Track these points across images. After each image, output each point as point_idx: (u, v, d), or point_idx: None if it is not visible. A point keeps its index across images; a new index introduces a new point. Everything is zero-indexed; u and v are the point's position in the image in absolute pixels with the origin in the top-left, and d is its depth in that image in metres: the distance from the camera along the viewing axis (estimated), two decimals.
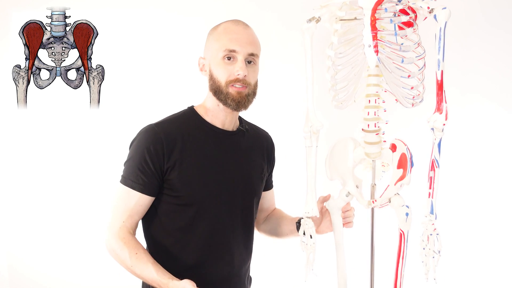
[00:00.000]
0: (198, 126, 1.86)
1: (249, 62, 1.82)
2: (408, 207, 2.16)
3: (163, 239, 1.83)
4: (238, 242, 1.92)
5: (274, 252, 2.82)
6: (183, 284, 1.61)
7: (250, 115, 2.07)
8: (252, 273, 2.16)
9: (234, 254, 1.91)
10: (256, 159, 2.02)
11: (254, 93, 1.87)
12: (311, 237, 2.16)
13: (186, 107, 1.95)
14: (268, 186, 2.20)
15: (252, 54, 1.81)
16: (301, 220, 2.17)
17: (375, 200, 2.23)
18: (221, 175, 1.85)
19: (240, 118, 2.02)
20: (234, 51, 1.77)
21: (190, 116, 1.88)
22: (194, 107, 1.92)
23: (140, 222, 1.87)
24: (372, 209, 2.32)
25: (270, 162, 2.15)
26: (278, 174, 2.83)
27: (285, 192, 2.82)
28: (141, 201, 1.76)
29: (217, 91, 1.80)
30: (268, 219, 2.26)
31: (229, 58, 1.78)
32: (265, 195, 2.19)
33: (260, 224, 2.26)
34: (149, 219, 1.84)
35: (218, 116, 1.87)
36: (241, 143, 1.95)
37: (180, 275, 1.70)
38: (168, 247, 1.82)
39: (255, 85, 1.87)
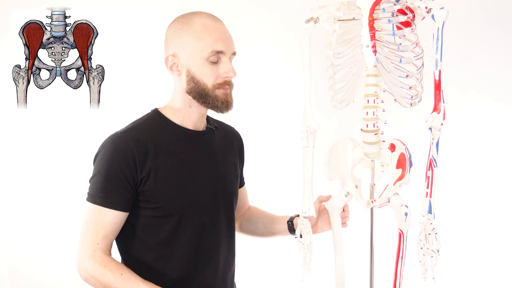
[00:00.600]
0: (167, 130, 1.72)
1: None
2: (407, 207, 2.16)
3: (143, 256, 1.67)
4: (223, 246, 1.82)
5: (270, 252, 2.82)
6: None
7: (248, 114, 2.07)
8: (249, 272, 2.15)
9: (219, 259, 1.80)
10: (229, 157, 1.92)
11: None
12: (301, 237, 2.12)
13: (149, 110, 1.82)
14: (241, 183, 2.09)
15: (233, 53, 1.73)
16: (298, 220, 2.15)
17: (374, 200, 2.23)
18: (199, 179, 1.73)
19: (206, 116, 1.90)
20: (221, 52, 1.66)
21: (157, 120, 1.74)
22: (159, 110, 1.78)
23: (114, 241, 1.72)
24: (371, 209, 2.32)
25: (241, 158, 2.05)
26: (275, 174, 2.85)
27: (282, 192, 2.83)
28: (115, 218, 1.60)
29: (202, 95, 1.67)
30: (248, 218, 2.16)
31: (214, 59, 1.65)
32: (239, 192, 2.06)
33: (239, 223, 2.16)
34: (125, 237, 1.69)
35: (190, 117, 1.75)
36: (212, 142, 1.83)
37: None
38: (149, 264, 1.67)
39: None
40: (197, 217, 1.71)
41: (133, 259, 1.68)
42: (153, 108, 1.79)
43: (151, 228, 1.67)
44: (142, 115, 1.78)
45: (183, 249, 1.68)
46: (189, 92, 1.69)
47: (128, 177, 1.59)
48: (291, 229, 2.08)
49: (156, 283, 1.59)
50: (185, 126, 1.75)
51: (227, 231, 1.83)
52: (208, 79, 1.66)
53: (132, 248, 1.69)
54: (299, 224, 2.39)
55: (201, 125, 1.80)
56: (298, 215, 2.09)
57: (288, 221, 2.09)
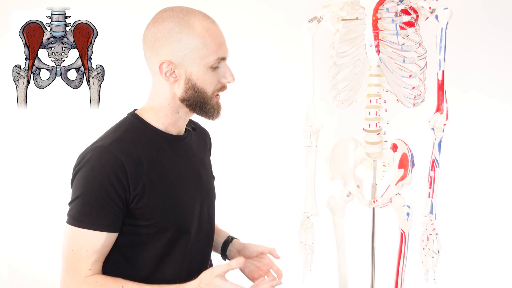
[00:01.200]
0: (152, 137, 1.52)
1: None
2: (409, 207, 2.17)
3: (130, 278, 1.47)
4: (209, 255, 1.69)
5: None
6: (208, 280, 1.36)
7: (251, 114, 2.06)
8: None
9: (206, 265, 1.66)
10: (206, 158, 1.76)
11: None
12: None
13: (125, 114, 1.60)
14: None
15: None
16: (301, 222, 2.10)
17: (376, 200, 2.23)
18: (190, 189, 1.58)
19: None
20: (224, 59, 1.51)
21: (140, 127, 1.53)
22: (138, 113, 1.56)
23: None
24: (373, 209, 2.33)
25: (210, 157, 1.86)
26: (278, 174, 2.85)
27: (284, 191, 2.83)
28: (108, 241, 1.43)
29: (202, 103, 1.50)
30: None
31: (216, 67, 1.49)
32: None
33: None
34: (108, 259, 1.49)
35: (176, 123, 1.56)
36: (191, 145, 1.66)
37: None
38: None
39: None
40: (190, 229, 1.56)
41: None
42: (129, 112, 1.59)
43: (141, 246, 1.50)
44: (119, 121, 1.57)
45: (174, 265, 1.54)
46: (185, 100, 1.50)
47: (120, 194, 1.40)
48: (224, 248, 1.77)
49: None
50: (169, 131, 1.56)
51: (211, 235, 1.70)
52: (209, 86, 1.49)
53: (117, 270, 1.49)
54: (301, 225, 2.39)
55: (182, 130, 1.61)
56: (236, 239, 1.79)
57: (224, 242, 1.78)
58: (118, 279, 1.43)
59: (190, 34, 1.44)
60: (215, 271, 1.35)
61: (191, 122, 1.73)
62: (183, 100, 1.50)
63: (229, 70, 1.51)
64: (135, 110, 1.57)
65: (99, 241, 1.41)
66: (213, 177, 1.77)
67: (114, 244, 1.47)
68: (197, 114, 1.54)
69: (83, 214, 1.41)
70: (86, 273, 1.41)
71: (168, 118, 1.54)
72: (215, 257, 1.75)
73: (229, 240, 1.76)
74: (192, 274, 1.48)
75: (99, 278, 1.42)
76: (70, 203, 1.47)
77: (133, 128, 1.52)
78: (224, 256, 1.75)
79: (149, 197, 1.44)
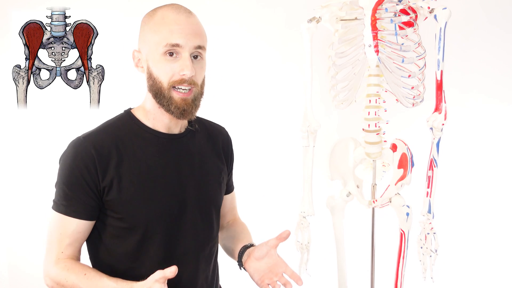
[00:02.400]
0: (136, 133, 1.52)
1: (195, 57, 1.48)
2: (408, 207, 2.17)
3: (112, 266, 1.52)
4: (199, 260, 1.62)
5: None
6: (148, 285, 1.34)
7: (249, 114, 2.05)
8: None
9: (197, 275, 1.61)
10: (211, 161, 1.68)
11: (201, 94, 1.53)
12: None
13: (122, 111, 1.62)
14: (228, 189, 1.83)
15: (198, 47, 1.47)
16: (297, 221, 2.10)
17: (376, 200, 2.23)
18: (169, 188, 1.54)
19: None
20: (177, 45, 1.43)
21: (126, 122, 1.54)
22: (132, 110, 1.58)
23: (85, 246, 1.59)
24: (373, 209, 2.33)
25: (228, 161, 1.79)
26: (275, 174, 2.85)
27: (281, 192, 2.83)
28: (79, 227, 1.47)
29: (158, 94, 1.47)
30: (227, 230, 1.86)
31: (171, 54, 1.44)
32: (224, 199, 1.80)
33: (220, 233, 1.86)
34: (93, 244, 1.55)
35: (161, 119, 1.54)
36: (191, 145, 1.62)
37: None
38: (120, 275, 1.48)
39: (203, 84, 1.54)
40: (165, 229, 1.53)
41: (103, 269, 1.51)
42: (126, 108, 1.60)
43: (117, 238, 1.52)
44: (114, 116, 1.59)
45: (150, 264, 1.51)
46: (150, 90, 1.50)
47: (91, 185, 1.44)
48: (241, 256, 1.68)
49: None
50: (157, 129, 1.55)
51: (204, 242, 1.63)
52: (164, 76, 1.45)
53: (101, 256, 1.55)
54: (298, 224, 2.39)
55: (176, 128, 1.58)
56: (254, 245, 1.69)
57: (243, 246, 1.69)
58: (85, 267, 1.47)
59: (149, 23, 1.49)
60: (155, 275, 1.34)
61: (201, 122, 1.71)
62: (149, 91, 1.50)
63: (187, 62, 1.44)
64: (131, 108, 1.59)
65: (71, 226, 1.46)
66: (220, 183, 1.71)
67: (97, 232, 1.52)
68: (163, 109, 1.50)
69: (58, 200, 1.48)
70: (59, 256, 1.47)
71: (152, 114, 1.53)
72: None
73: (246, 247, 1.67)
74: (179, 275, 1.41)
75: (69, 263, 1.47)
76: (54, 187, 1.53)
77: (120, 122, 1.54)
78: (240, 262, 1.66)
79: (118, 190, 1.46)
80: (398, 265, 2.22)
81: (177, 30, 1.44)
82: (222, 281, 1.84)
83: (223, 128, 1.80)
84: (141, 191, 1.49)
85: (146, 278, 1.38)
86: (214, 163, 1.69)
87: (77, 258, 1.52)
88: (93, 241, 1.54)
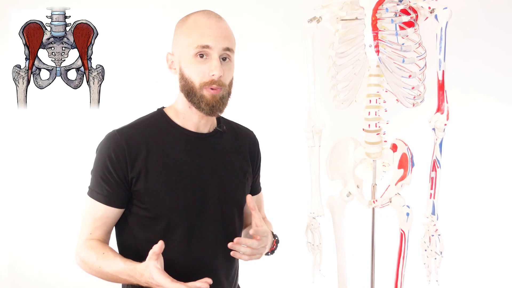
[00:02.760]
0: (166, 130, 1.65)
1: (224, 59, 1.59)
2: (408, 207, 2.17)
3: (138, 251, 1.62)
4: (219, 256, 1.69)
5: (279, 253, 2.82)
6: (146, 263, 1.44)
7: (252, 115, 2.05)
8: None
9: (217, 271, 1.69)
10: (236, 162, 1.78)
11: (229, 94, 1.64)
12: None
13: (155, 109, 1.75)
14: (254, 190, 1.93)
15: (227, 49, 1.58)
16: (307, 223, 2.09)
17: (376, 200, 2.23)
18: (193, 184, 1.64)
19: (218, 117, 1.79)
20: (207, 47, 1.55)
21: (158, 119, 1.68)
22: (164, 109, 1.71)
23: (114, 232, 1.71)
24: (373, 209, 2.32)
25: (254, 163, 1.88)
26: (281, 175, 2.84)
27: (288, 193, 2.83)
28: (108, 213, 1.60)
29: (190, 93, 1.59)
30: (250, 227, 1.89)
31: (201, 56, 1.56)
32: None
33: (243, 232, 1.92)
34: (122, 229, 1.68)
35: (191, 118, 1.66)
36: (217, 145, 1.72)
37: None
38: (143, 260, 1.54)
39: (231, 84, 1.65)
40: (187, 224, 1.63)
41: (128, 253, 1.63)
42: (159, 107, 1.73)
43: (143, 227, 1.63)
44: (147, 113, 1.72)
45: (173, 255, 1.60)
46: (182, 90, 1.62)
47: (120, 175, 1.57)
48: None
49: None
50: (186, 127, 1.67)
51: (223, 238, 1.68)
52: (195, 77, 1.57)
53: (127, 242, 1.68)
54: (308, 225, 2.39)
55: (205, 127, 1.70)
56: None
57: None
58: (106, 247, 1.60)
59: (182, 27, 1.61)
60: (150, 257, 1.44)
61: (229, 124, 1.82)
62: (181, 91, 1.62)
63: (216, 63, 1.55)
64: (163, 107, 1.72)
65: (100, 211, 1.60)
66: (243, 183, 1.79)
67: (125, 219, 1.65)
68: (194, 107, 1.60)
69: (92, 187, 1.62)
70: (88, 237, 1.61)
71: (182, 113, 1.66)
72: None
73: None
74: (199, 268, 1.62)
75: (94, 243, 1.60)
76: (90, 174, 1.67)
77: (152, 119, 1.68)
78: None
79: (145, 182, 1.58)
80: (398, 265, 2.22)
81: (207, 32, 1.56)
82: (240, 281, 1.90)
83: (251, 131, 1.91)
84: (166, 184, 1.60)
85: (168, 270, 1.49)
86: (239, 163, 1.78)
87: (105, 241, 1.64)
88: (121, 227, 1.67)
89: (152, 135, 1.62)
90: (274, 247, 1.78)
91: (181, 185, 1.61)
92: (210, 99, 1.57)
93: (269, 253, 1.76)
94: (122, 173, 1.57)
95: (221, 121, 1.79)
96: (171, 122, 1.67)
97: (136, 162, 1.57)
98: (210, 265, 1.68)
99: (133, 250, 1.64)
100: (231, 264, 1.77)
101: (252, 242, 1.57)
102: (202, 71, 1.56)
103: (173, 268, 1.54)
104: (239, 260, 1.80)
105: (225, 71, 1.58)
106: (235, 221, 1.75)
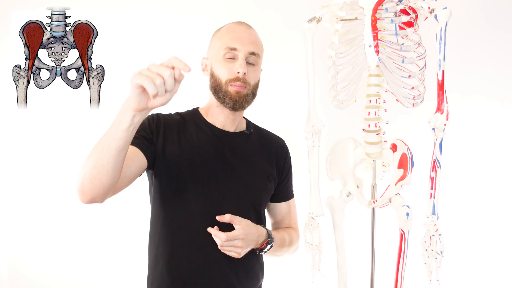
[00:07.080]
0: (196, 124, 1.86)
1: (250, 63, 1.78)
2: (408, 207, 2.16)
3: (166, 226, 1.79)
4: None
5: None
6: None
7: (251, 115, 2.06)
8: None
9: (228, 268, 1.79)
10: (259, 163, 1.90)
11: (253, 94, 1.81)
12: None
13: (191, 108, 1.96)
14: (283, 197, 2.03)
15: (253, 53, 1.77)
16: (306, 222, 2.12)
17: (376, 200, 2.23)
18: (212, 175, 1.76)
19: (248, 122, 1.98)
20: (235, 49, 1.75)
21: (191, 114, 1.89)
22: (198, 108, 1.93)
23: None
24: (373, 209, 2.32)
25: (280, 169, 1.98)
26: None
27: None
28: (132, 151, 1.64)
29: (217, 89, 1.77)
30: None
31: (230, 57, 1.75)
32: (277, 206, 2.04)
33: None
34: (152, 202, 1.84)
35: (218, 116, 1.85)
36: (242, 145, 1.88)
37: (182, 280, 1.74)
38: (169, 226, 1.78)
39: (255, 86, 1.81)
40: (204, 212, 1.74)
41: (157, 222, 1.80)
42: (194, 107, 1.95)
43: (165, 198, 1.78)
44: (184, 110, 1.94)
45: (193, 233, 1.75)
46: (211, 87, 1.81)
47: (151, 131, 1.75)
48: None
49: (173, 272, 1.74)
50: (214, 124, 1.86)
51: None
52: (223, 74, 1.75)
53: (156, 214, 1.82)
54: (306, 225, 2.39)
55: (231, 126, 1.87)
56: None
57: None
58: None
59: (217, 34, 1.84)
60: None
61: (259, 130, 2.00)
62: (210, 88, 1.82)
63: (242, 62, 1.74)
64: (198, 107, 1.94)
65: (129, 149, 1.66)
66: (265, 185, 1.90)
67: (153, 196, 1.81)
68: (219, 102, 1.79)
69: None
70: None
71: (211, 111, 1.86)
72: None
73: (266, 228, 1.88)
74: (205, 261, 1.75)
75: None
76: None
77: (186, 114, 1.89)
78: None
79: (160, 159, 1.74)
80: (398, 265, 2.22)
81: (236, 37, 1.77)
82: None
83: (281, 139, 2.07)
84: (186, 168, 1.75)
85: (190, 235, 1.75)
86: (262, 166, 1.92)
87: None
88: (152, 200, 1.83)
89: (184, 125, 1.83)
90: (263, 246, 1.82)
91: (199, 172, 1.76)
92: (234, 95, 1.75)
93: (258, 251, 1.83)
94: (151, 132, 1.74)
95: (250, 125, 1.98)
96: (201, 118, 1.87)
97: (160, 135, 1.76)
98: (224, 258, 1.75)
99: (162, 228, 1.78)
100: (250, 261, 1.85)
101: (220, 235, 1.66)
102: (229, 69, 1.74)
103: (190, 261, 1.73)
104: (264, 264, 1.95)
105: (250, 72, 1.76)
106: (251, 217, 1.82)
